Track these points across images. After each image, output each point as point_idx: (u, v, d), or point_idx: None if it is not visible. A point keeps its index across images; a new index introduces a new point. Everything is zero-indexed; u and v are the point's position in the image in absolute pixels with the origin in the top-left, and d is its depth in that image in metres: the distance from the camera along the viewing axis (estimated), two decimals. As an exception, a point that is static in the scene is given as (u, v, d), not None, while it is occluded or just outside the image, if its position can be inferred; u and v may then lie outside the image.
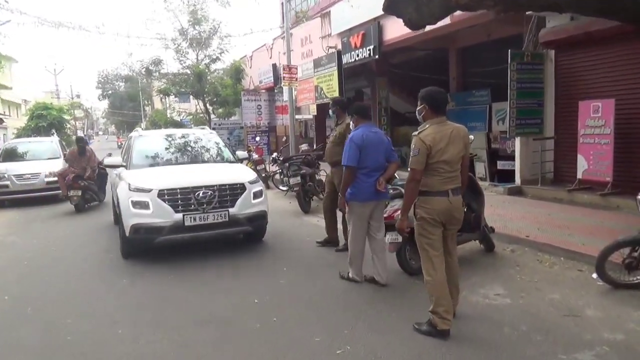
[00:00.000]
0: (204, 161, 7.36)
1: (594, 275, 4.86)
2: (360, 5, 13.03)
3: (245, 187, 6.33)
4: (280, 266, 5.78)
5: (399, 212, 4.73)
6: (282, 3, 15.39)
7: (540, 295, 4.55)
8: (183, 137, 7.97)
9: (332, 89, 14.77)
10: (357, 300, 4.59)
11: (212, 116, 24.18)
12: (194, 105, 28.22)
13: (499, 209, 7.96)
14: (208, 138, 8.01)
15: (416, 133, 3.78)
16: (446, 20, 10.24)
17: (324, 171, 9.62)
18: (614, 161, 7.94)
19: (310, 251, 6.42)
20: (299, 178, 9.13)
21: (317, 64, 15.72)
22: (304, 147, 12.06)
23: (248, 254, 6.34)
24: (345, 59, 14.19)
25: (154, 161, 7.13)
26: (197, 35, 23.46)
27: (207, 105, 24.21)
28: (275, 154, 12.63)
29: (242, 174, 6.74)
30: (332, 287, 4.97)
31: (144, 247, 6.15)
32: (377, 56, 13.00)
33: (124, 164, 7.15)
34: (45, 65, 58.11)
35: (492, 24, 10.42)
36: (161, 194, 5.91)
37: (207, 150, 7.69)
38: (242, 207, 6.21)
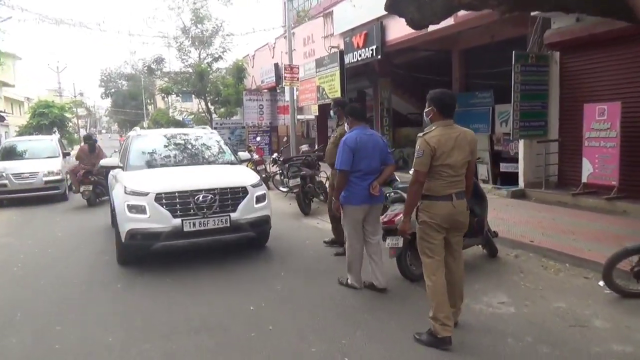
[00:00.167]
0: (204, 163, 7.05)
1: (601, 283, 4.73)
2: (363, 5, 12.90)
3: (247, 190, 6.05)
4: (278, 271, 5.65)
5: (400, 216, 4.64)
6: (285, 2, 15.20)
7: (546, 304, 4.40)
8: (183, 137, 7.66)
9: (334, 89, 14.64)
10: (356, 307, 4.45)
11: (214, 116, 24.08)
12: (196, 104, 28.11)
13: (502, 213, 7.82)
14: (209, 138, 7.69)
15: (421, 134, 3.69)
16: (449, 21, 10.13)
17: (325, 172, 9.50)
18: (620, 165, 7.78)
19: (309, 255, 6.29)
20: (298, 179, 8.99)
21: (319, 63, 15.60)
22: (304, 147, 11.91)
23: (245, 258, 6.18)
24: (348, 59, 14.07)
25: (152, 162, 6.84)
26: (200, 33, 23.35)
27: (209, 104, 24.10)
28: (275, 155, 12.50)
29: (244, 176, 6.46)
30: (331, 293, 4.83)
31: (140, 254, 5.91)
32: (379, 56, 12.89)
33: (121, 165, 6.89)
34: (48, 63, 58.09)
35: (495, 25, 10.29)
36: (159, 198, 5.63)
37: (208, 151, 7.40)
38: (245, 212, 5.93)
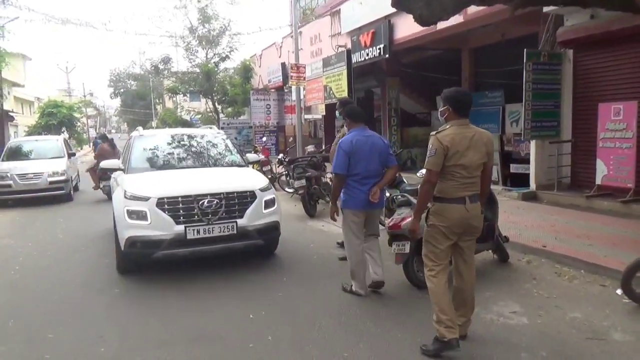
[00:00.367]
0: (209, 165, 6.67)
1: (619, 292, 4.50)
2: (370, 3, 12.69)
3: (255, 195, 5.67)
4: (280, 276, 5.46)
5: (407, 221, 4.45)
6: (292, 1, 15.04)
7: (560, 314, 4.17)
8: (188, 137, 7.28)
9: (341, 88, 14.44)
10: (359, 316, 4.24)
11: (221, 115, 23.98)
12: (204, 104, 28.06)
13: (513, 216, 7.58)
14: (215, 139, 7.27)
15: (434, 132, 3.53)
16: (459, 19, 9.92)
17: (331, 173, 9.30)
18: (637, 166, 7.52)
19: (313, 260, 6.10)
20: (304, 181, 8.82)
21: (326, 63, 15.40)
22: (310, 148, 11.75)
23: (247, 262, 5.94)
24: (355, 58, 13.87)
25: (154, 164, 6.52)
26: (207, 33, 23.26)
27: (216, 104, 24.01)
28: (281, 155, 12.33)
29: (252, 179, 6.08)
30: (334, 300, 4.63)
31: (141, 262, 5.62)
32: (387, 55, 12.68)
33: (122, 167, 6.60)
34: (58, 63, 58.31)
35: (506, 23, 10.04)
36: (160, 203, 5.26)
37: (214, 152, 7.03)
38: (252, 218, 5.56)
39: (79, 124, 37.69)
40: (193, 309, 4.58)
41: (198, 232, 5.30)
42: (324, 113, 17.85)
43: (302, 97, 15.75)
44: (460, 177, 3.46)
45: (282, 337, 3.89)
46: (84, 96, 55.18)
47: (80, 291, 5.23)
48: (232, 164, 6.79)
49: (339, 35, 15.13)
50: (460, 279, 3.68)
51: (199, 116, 28.17)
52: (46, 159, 12.72)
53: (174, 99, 35.40)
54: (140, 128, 7.89)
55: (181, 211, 5.31)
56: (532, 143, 9.36)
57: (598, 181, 8.14)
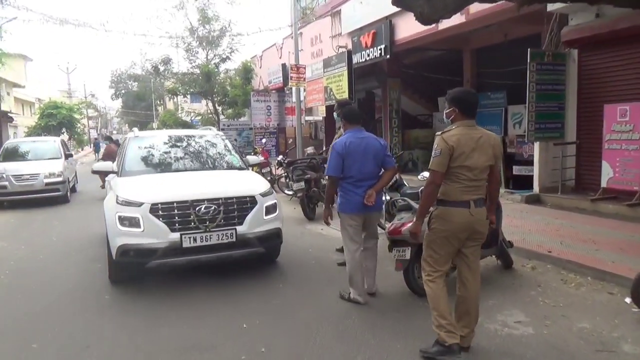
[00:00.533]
0: (207, 168, 6.35)
1: (628, 300, 4.33)
2: (371, 3, 12.53)
3: (256, 200, 5.33)
4: (277, 282, 5.28)
5: (407, 226, 4.28)
6: (292, 1, 14.88)
7: (568, 324, 3.99)
8: (185, 139, 6.95)
9: (341, 89, 14.27)
10: (357, 326, 4.06)
11: (221, 117, 23.82)
12: (204, 105, 27.91)
13: (517, 220, 7.40)
14: (214, 140, 6.93)
15: (440, 132, 3.40)
16: (461, 19, 9.77)
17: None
18: (644, 169, 7.34)
19: (310, 265, 5.92)
20: (302, 183, 8.65)
21: (327, 64, 15.23)
22: (309, 150, 11.57)
23: (242, 267, 5.70)
24: (356, 58, 13.70)
25: (149, 167, 6.16)
26: (207, 34, 23.10)
27: (216, 105, 23.86)
28: (280, 157, 12.17)
29: (252, 184, 5.73)
30: (331, 309, 4.45)
31: (134, 272, 5.27)
32: (388, 56, 12.53)
33: (115, 169, 6.28)
34: (58, 64, 58.32)
35: (509, 23, 9.89)
36: (154, 209, 4.92)
37: (212, 154, 6.70)
38: (253, 225, 5.23)
39: (79, 125, 37.54)
40: (185, 316, 4.40)
41: (195, 240, 4.95)
42: (325, 114, 17.69)
43: (302, 98, 15.60)
44: (465, 180, 3.32)
45: (276, 348, 3.71)
46: (85, 97, 55.11)
47: (69, 297, 5.06)
48: (232, 167, 6.50)
49: (340, 36, 14.98)
50: (464, 287, 3.52)
51: (199, 117, 28.01)
52: (43, 160, 12.57)
53: (175, 100, 35.24)
54: (135, 129, 7.65)
55: (177, 218, 4.97)
56: (536, 145, 9.19)
57: (604, 184, 7.96)
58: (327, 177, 4.58)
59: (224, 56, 23.55)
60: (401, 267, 4.53)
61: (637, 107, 7.37)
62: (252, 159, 7.17)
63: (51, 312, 4.65)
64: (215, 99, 23.50)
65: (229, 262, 5.64)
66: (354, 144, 4.45)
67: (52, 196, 11.87)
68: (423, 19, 5.40)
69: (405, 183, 6.71)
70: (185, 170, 6.23)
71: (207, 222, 5.01)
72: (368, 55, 13.17)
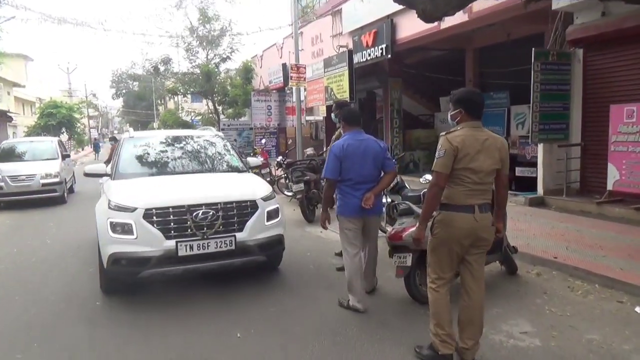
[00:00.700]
0: (206, 170, 6.01)
1: (638, 310, 4.16)
2: (372, 2, 12.36)
3: (257, 205, 5.01)
4: (273, 288, 5.11)
5: (409, 231, 4.13)
6: (292, 1, 14.71)
7: (576, 336, 3.81)
8: (182, 140, 6.64)
9: (342, 89, 14.11)
10: (355, 336, 3.88)
11: (222, 117, 23.68)
12: (205, 105, 27.77)
13: (521, 223, 7.22)
14: (212, 141, 6.63)
15: (444, 133, 3.27)
16: (464, 18, 9.61)
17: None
18: (651, 172, 7.16)
19: (309, 270, 5.75)
20: (302, 185, 8.49)
21: (328, 63, 15.07)
22: (309, 151, 11.41)
23: (238, 273, 5.39)
24: (357, 58, 13.55)
25: (144, 170, 5.82)
26: (207, 33, 22.96)
27: (217, 105, 23.72)
28: (280, 157, 12.01)
29: (253, 187, 5.37)
30: (329, 317, 4.28)
31: (126, 282, 4.96)
32: (389, 55, 12.38)
33: (109, 172, 5.96)
34: (59, 64, 58.27)
35: (512, 22, 9.73)
36: (148, 215, 4.61)
37: (211, 156, 6.38)
38: (253, 232, 4.92)
39: (79, 124, 37.42)
40: (177, 325, 4.23)
41: (191, 247, 4.64)
42: (325, 114, 17.54)
43: (302, 98, 15.44)
44: (470, 183, 3.18)
45: (271, 360, 3.55)
46: (86, 97, 55.03)
47: (58, 304, 4.89)
48: (231, 169, 6.19)
49: (341, 36, 14.83)
50: (468, 296, 3.36)
51: (200, 117, 27.87)
52: (39, 161, 12.41)
53: (175, 99, 35.11)
54: (131, 129, 7.53)
55: (172, 224, 4.65)
56: (540, 146, 9.01)
57: (609, 187, 7.77)
58: (324, 179, 4.42)
59: (224, 56, 23.42)
60: (402, 273, 4.36)
61: (645, 108, 7.19)
62: (252, 161, 6.87)
63: (39, 320, 4.48)
64: (216, 99, 23.37)
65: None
66: (352, 146, 4.33)
67: (49, 197, 11.72)
68: (425, 17, 5.23)
69: (407, 185, 6.53)
70: (182, 173, 5.89)
71: (205, 229, 4.71)
72: (369, 54, 13.02)
